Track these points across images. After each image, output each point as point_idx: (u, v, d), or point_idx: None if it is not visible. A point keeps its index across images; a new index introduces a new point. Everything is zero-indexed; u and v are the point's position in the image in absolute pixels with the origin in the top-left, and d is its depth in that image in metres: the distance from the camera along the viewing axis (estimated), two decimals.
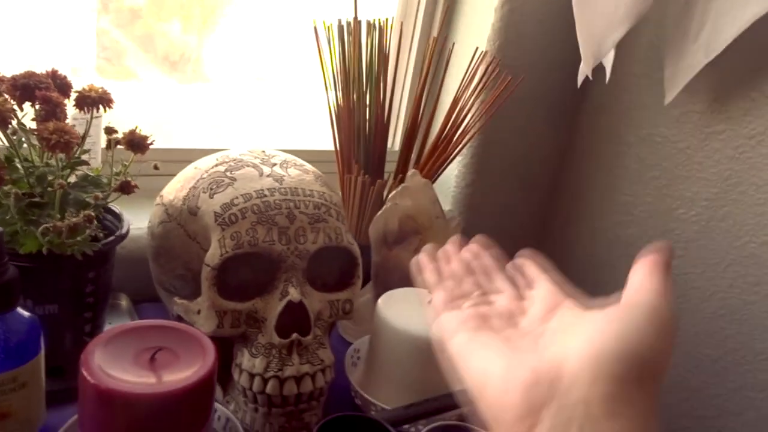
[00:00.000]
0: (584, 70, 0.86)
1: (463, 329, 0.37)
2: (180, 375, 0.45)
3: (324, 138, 0.98)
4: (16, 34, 0.76)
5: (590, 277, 1.06)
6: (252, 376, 0.56)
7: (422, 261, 0.46)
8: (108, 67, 0.84)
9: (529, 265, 0.43)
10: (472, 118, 0.81)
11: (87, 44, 0.82)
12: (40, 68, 0.52)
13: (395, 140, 1.02)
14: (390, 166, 0.87)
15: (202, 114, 0.95)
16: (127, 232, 0.60)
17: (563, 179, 1.11)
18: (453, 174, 1.00)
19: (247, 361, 0.56)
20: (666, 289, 0.32)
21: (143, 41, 0.86)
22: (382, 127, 0.81)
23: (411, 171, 0.72)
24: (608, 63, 0.91)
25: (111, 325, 0.70)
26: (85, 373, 0.43)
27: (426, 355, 0.59)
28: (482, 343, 0.35)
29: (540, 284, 0.40)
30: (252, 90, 0.99)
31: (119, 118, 0.60)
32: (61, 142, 0.45)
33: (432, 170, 0.81)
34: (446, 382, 0.63)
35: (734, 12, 0.73)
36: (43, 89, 0.47)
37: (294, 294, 0.56)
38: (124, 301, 0.75)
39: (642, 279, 0.33)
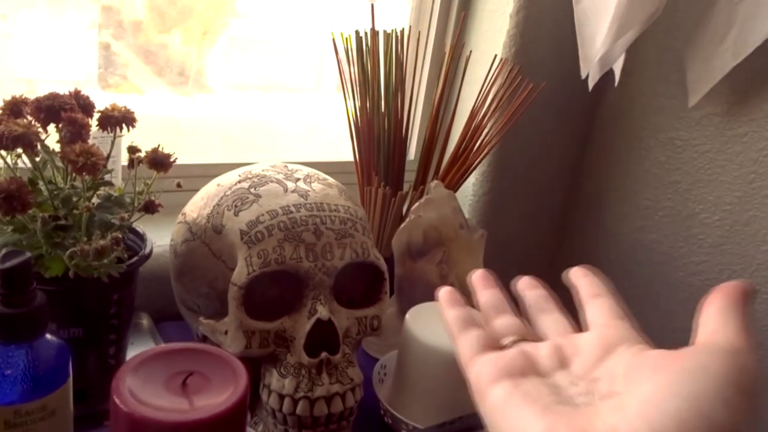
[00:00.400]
0: (594, 75, 0.85)
1: (504, 376, 0.31)
2: (213, 400, 0.44)
3: (336, 149, 0.97)
4: (18, 49, 0.75)
5: (616, 279, 1.04)
6: (282, 397, 0.54)
7: (444, 301, 0.38)
8: (110, 80, 0.83)
9: (581, 284, 0.35)
10: (493, 126, 0.80)
11: (88, 58, 0.81)
12: (44, 83, 0.51)
13: (410, 150, 1.01)
14: (407, 177, 0.86)
15: (210, 126, 0.95)
16: (151, 251, 0.59)
17: (581, 185, 1.10)
18: (470, 183, 0.99)
19: (276, 381, 0.55)
20: (749, 331, 0.26)
21: (144, 54, 0.85)
22: (400, 138, 0.80)
23: (434, 182, 0.71)
24: (617, 68, 0.90)
25: (133, 346, 0.69)
26: (117, 400, 0.42)
27: (458, 372, 0.58)
28: (524, 395, 0.29)
29: (594, 311, 0.33)
30: (259, 100, 0.98)
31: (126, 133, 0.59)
32: (89, 164, 0.44)
33: (453, 180, 0.80)
34: None
35: (763, 14, 0.73)
36: (68, 110, 0.47)
37: (323, 312, 0.55)
38: (145, 321, 0.74)
39: (719, 319, 0.27)
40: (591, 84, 0.85)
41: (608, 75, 0.88)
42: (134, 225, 0.61)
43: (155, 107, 0.88)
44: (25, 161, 0.50)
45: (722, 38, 0.78)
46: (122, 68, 0.84)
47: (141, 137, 0.60)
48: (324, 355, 0.54)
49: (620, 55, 0.80)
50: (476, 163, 0.81)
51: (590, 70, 0.82)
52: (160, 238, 0.76)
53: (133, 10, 0.82)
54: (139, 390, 0.44)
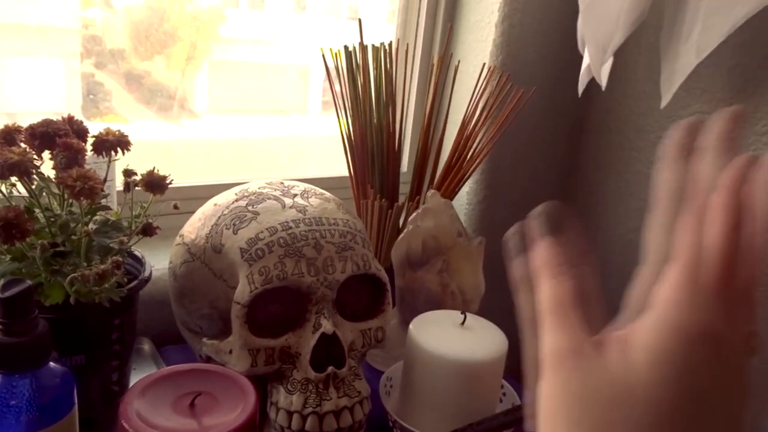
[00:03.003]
0: (583, 81, 0.86)
1: None
2: (223, 419, 0.44)
3: (328, 166, 0.97)
4: (1, 80, 0.74)
5: (606, 286, 1.05)
6: (290, 413, 0.54)
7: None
8: (94, 109, 0.82)
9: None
10: (485, 134, 0.81)
11: (72, 89, 0.80)
12: (27, 116, 0.50)
13: (403, 162, 1.02)
14: (402, 189, 0.87)
15: (199, 151, 0.94)
16: (151, 274, 0.59)
17: (574, 188, 1.10)
18: (465, 191, 0.99)
19: (284, 398, 0.54)
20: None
21: (128, 82, 0.84)
22: (394, 150, 0.81)
23: (430, 192, 0.72)
24: (605, 71, 0.91)
25: (136, 371, 0.68)
26: (125, 425, 0.42)
27: (464, 379, 0.58)
28: None
29: None
30: (246, 124, 0.98)
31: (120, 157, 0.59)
32: (86, 188, 0.44)
33: (448, 190, 0.81)
34: (486, 404, 0.62)
35: (724, 10, 0.73)
36: (62, 136, 0.47)
37: (327, 326, 0.55)
38: (146, 345, 0.73)
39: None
40: (580, 89, 0.86)
41: (591, 79, 0.88)
42: (132, 249, 0.61)
43: (142, 135, 0.87)
44: (20, 190, 0.50)
45: (687, 36, 0.78)
46: (106, 97, 0.83)
47: (131, 165, 0.59)
48: (330, 369, 0.54)
49: (609, 58, 0.80)
50: (470, 171, 0.82)
51: (580, 76, 0.83)
52: (157, 261, 0.76)
53: (114, 39, 0.82)
54: (147, 413, 0.43)
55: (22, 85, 0.76)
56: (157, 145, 0.90)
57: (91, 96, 0.82)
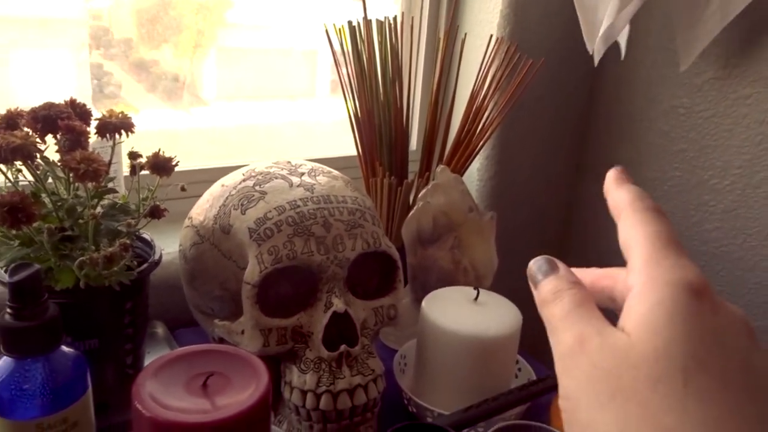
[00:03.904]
0: (599, 50, 0.84)
1: None
2: (235, 399, 0.43)
3: (336, 148, 0.96)
4: (10, 76, 0.74)
5: (621, 260, 1.03)
6: (304, 393, 0.54)
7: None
8: (104, 100, 0.82)
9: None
10: (494, 107, 0.79)
11: (81, 80, 0.80)
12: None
13: (411, 138, 1.00)
14: (411, 166, 0.86)
15: (208, 137, 0.94)
16: (161, 257, 0.58)
17: (586, 161, 1.09)
18: (475, 167, 0.98)
19: (297, 378, 0.54)
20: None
21: (137, 71, 0.84)
22: (402, 127, 0.80)
23: (440, 167, 0.71)
24: (623, 39, 0.89)
25: (150, 354, 0.68)
26: (139, 406, 0.42)
27: (478, 355, 0.58)
28: None
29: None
30: (254, 109, 0.97)
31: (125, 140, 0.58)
32: (90, 170, 0.44)
33: (458, 165, 0.80)
34: (501, 380, 0.61)
35: None
36: (65, 119, 0.46)
37: (338, 304, 0.54)
38: (160, 329, 0.73)
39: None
40: (597, 59, 0.84)
41: (609, 48, 0.86)
42: (141, 233, 0.61)
43: (152, 123, 0.87)
44: (25, 175, 0.49)
45: (707, 1, 0.76)
46: (116, 87, 0.83)
47: (141, 152, 0.59)
48: (343, 347, 0.54)
49: (624, 26, 0.78)
50: (480, 146, 0.80)
51: (594, 45, 0.81)
52: (168, 245, 0.76)
53: (122, 29, 0.81)
54: (160, 394, 0.43)
55: (32, 78, 0.76)
56: (167, 134, 0.90)
57: (101, 86, 0.82)
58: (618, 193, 0.29)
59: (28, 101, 0.49)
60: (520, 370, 0.66)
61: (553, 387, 0.59)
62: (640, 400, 0.21)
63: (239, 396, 0.44)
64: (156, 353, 0.69)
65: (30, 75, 0.75)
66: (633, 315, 0.24)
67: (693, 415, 0.20)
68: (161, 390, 0.44)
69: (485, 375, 0.58)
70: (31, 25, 0.75)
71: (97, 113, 0.52)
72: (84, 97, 0.80)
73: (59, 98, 0.50)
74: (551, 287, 0.28)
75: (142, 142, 0.56)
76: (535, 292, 0.29)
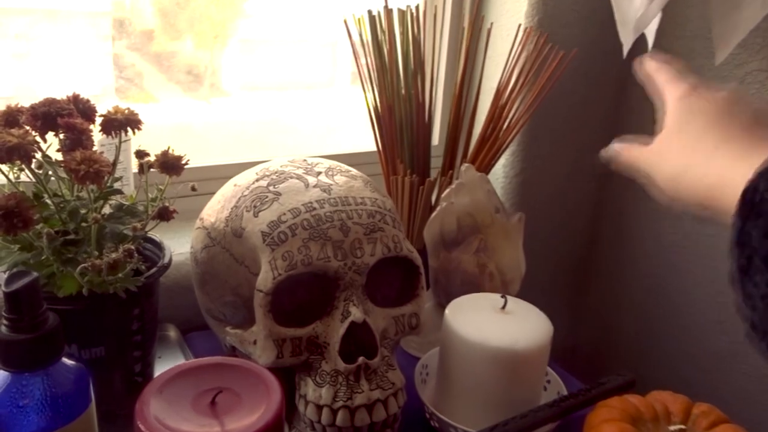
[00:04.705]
0: (627, 40, 0.79)
1: None
2: (246, 420, 0.40)
3: (357, 141, 0.93)
4: (34, 67, 0.73)
5: (655, 261, 0.99)
6: (319, 407, 0.51)
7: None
8: (128, 91, 0.82)
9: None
10: (521, 102, 0.75)
11: (105, 71, 0.80)
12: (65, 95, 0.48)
13: (434, 134, 0.96)
14: (433, 163, 0.82)
15: (227, 129, 0.92)
16: (170, 261, 0.56)
17: None
18: (500, 164, 0.94)
19: (313, 391, 0.51)
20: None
21: (158, 62, 0.83)
22: (424, 122, 0.76)
23: (465, 165, 0.67)
24: (652, 29, 0.84)
25: (161, 359, 0.66)
26: (142, 427, 0.39)
27: (506, 369, 0.54)
28: None
29: None
30: (274, 99, 0.95)
31: (144, 143, 0.56)
32: (91, 172, 0.41)
33: (483, 163, 0.76)
34: (530, 395, 0.57)
35: None
36: (65, 116, 0.43)
37: (356, 314, 0.51)
38: (172, 332, 0.71)
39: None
40: (625, 50, 0.79)
41: (642, 39, 0.81)
42: (152, 234, 0.58)
43: (172, 114, 0.86)
44: (29, 174, 0.47)
45: None
46: (138, 78, 0.83)
47: (161, 144, 0.57)
48: (361, 359, 0.50)
49: (655, 15, 0.73)
50: (506, 142, 0.76)
51: (624, 35, 0.76)
52: (181, 245, 0.73)
53: (143, 20, 0.80)
54: (164, 414, 0.40)
55: (56, 70, 0.74)
56: (187, 125, 0.89)
57: (123, 77, 0.81)
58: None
59: (53, 94, 0.47)
60: (549, 382, 0.62)
61: (585, 403, 0.55)
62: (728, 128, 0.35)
63: (250, 416, 0.41)
64: (168, 358, 0.67)
65: (54, 67, 0.74)
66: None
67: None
68: (166, 409, 0.41)
69: (513, 390, 0.55)
70: (54, 17, 0.74)
71: (119, 102, 0.49)
72: (107, 88, 0.80)
73: (83, 90, 0.48)
74: (654, 63, 0.43)
75: (161, 131, 0.54)
76: (640, 72, 0.44)
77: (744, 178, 0.28)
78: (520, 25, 0.78)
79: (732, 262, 0.29)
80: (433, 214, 0.67)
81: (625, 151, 0.41)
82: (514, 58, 0.75)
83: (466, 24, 0.78)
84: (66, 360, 0.43)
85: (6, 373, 0.40)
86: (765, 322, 0.27)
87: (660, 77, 0.41)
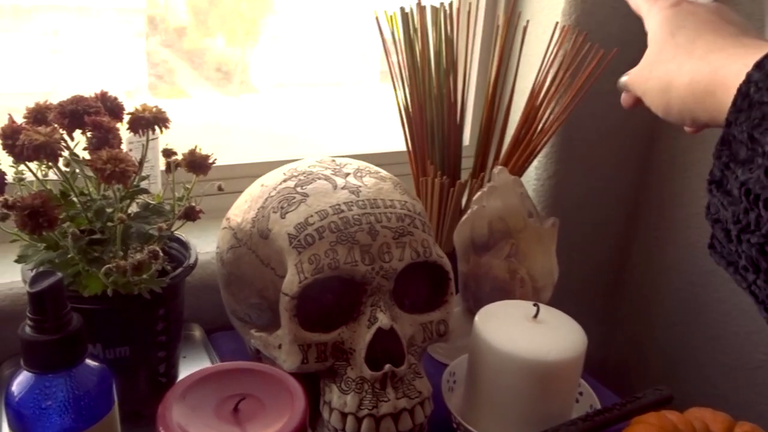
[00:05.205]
0: None
1: None
2: (269, 429, 0.39)
3: (386, 140, 0.92)
4: (71, 63, 0.74)
5: (689, 269, 0.95)
6: (344, 415, 0.49)
7: None
8: (160, 87, 0.82)
9: None
10: (557, 102, 0.73)
11: (138, 67, 0.81)
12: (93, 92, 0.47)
13: (464, 135, 0.94)
14: (464, 164, 0.80)
15: (256, 126, 0.92)
16: (196, 261, 0.55)
17: (653, 161, 1.00)
18: (532, 166, 0.91)
19: (337, 398, 0.50)
20: None
21: (190, 58, 0.83)
22: (455, 123, 0.74)
23: (497, 168, 0.65)
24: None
25: (185, 359, 0.66)
26: None
27: (537, 381, 0.52)
28: None
29: None
30: (303, 96, 0.94)
31: (175, 138, 0.56)
32: (117, 171, 0.40)
33: (517, 166, 0.73)
34: (562, 408, 0.55)
35: None
36: (92, 114, 0.42)
37: (383, 320, 0.49)
38: (197, 332, 0.70)
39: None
40: None
41: None
42: (178, 233, 0.57)
43: (201, 111, 0.87)
44: (56, 172, 0.46)
45: None
46: (169, 74, 0.83)
47: (189, 140, 0.56)
48: (388, 367, 0.49)
49: None
50: (541, 145, 0.74)
51: None
52: (206, 244, 0.72)
53: (176, 17, 0.81)
54: (187, 420, 0.39)
55: (90, 66, 0.75)
56: (217, 121, 0.89)
57: (156, 74, 0.82)
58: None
59: (86, 88, 0.47)
60: (581, 394, 0.60)
61: (620, 418, 0.53)
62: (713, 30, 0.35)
63: (273, 425, 0.40)
64: (192, 358, 0.67)
65: (88, 62, 0.75)
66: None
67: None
68: (189, 414, 0.40)
69: (544, 402, 0.53)
70: (89, 13, 0.75)
71: (155, 100, 0.48)
72: (140, 84, 0.80)
73: (116, 85, 0.48)
74: None
75: (193, 127, 0.53)
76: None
77: (737, 76, 0.29)
78: (557, 24, 0.76)
79: (716, 160, 0.29)
80: (464, 218, 0.65)
81: (629, 76, 0.41)
82: (550, 57, 0.72)
83: (500, 22, 0.75)
84: (89, 361, 0.43)
85: (29, 374, 0.40)
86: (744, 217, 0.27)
87: None
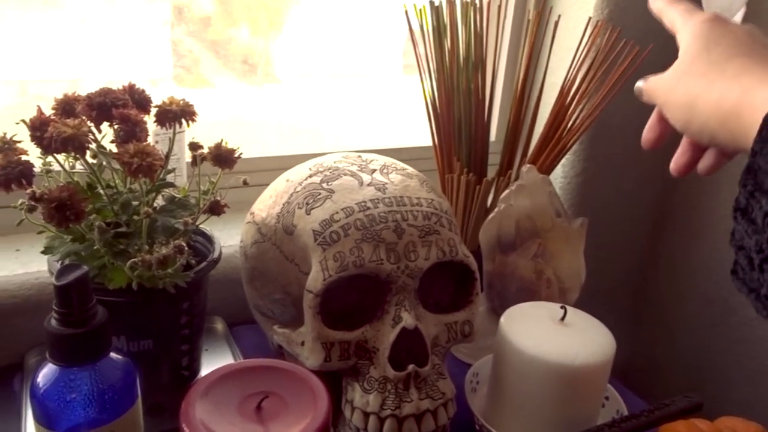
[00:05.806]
0: None
1: None
2: (292, 429, 0.39)
3: (412, 133, 0.91)
4: (95, 52, 0.74)
5: (719, 272, 0.93)
6: (366, 414, 0.49)
7: None
8: (185, 76, 0.83)
9: None
10: (588, 100, 0.71)
11: (163, 56, 0.81)
12: (121, 84, 0.47)
13: (491, 132, 0.93)
14: (491, 160, 0.78)
15: (279, 116, 0.92)
16: (220, 256, 0.55)
17: None
18: (560, 163, 0.89)
19: (360, 397, 0.49)
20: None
21: (215, 48, 0.83)
22: (483, 119, 0.73)
23: (526, 166, 0.63)
24: (738, 19, 0.78)
25: (207, 352, 0.66)
26: (187, 430, 0.38)
27: (563, 386, 0.51)
28: None
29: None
30: (327, 87, 0.94)
31: (199, 128, 0.56)
32: (144, 165, 0.40)
33: (545, 164, 0.72)
34: (588, 414, 0.54)
35: None
36: (120, 107, 0.42)
37: (408, 319, 0.49)
38: (219, 325, 0.70)
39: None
40: None
41: None
42: (203, 227, 0.57)
43: (225, 101, 0.87)
44: (83, 164, 0.46)
45: None
46: (194, 64, 0.83)
47: (214, 132, 0.56)
48: (411, 367, 0.48)
49: (741, 6, 0.68)
50: (571, 142, 0.72)
51: None
52: (230, 237, 0.72)
53: (202, 7, 0.81)
54: (210, 417, 0.39)
55: (116, 54, 0.76)
56: (240, 111, 0.89)
57: (182, 62, 0.82)
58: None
59: (113, 77, 0.47)
60: (607, 398, 0.59)
61: (648, 425, 0.52)
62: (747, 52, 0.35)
63: (296, 424, 0.39)
64: (214, 351, 0.67)
65: (114, 51, 0.75)
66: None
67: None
68: (212, 411, 0.40)
69: (570, 407, 0.51)
70: (115, 2, 0.75)
71: (179, 89, 0.48)
72: (165, 73, 0.80)
73: (141, 74, 0.47)
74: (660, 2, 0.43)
75: (215, 117, 0.52)
76: (653, 8, 0.44)
77: (765, 101, 0.29)
78: (589, 19, 0.74)
79: (741, 188, 0.29)
80: (491, 216, 0.64)
81: (646, 83, 0.41)
82: (581, 54, 0.71)
83: (531, 17, 0.74)
84: (114, 355, 0.43)
85: (55, 366, 0.40)
86: None
87: (678, 7, 0.41)
